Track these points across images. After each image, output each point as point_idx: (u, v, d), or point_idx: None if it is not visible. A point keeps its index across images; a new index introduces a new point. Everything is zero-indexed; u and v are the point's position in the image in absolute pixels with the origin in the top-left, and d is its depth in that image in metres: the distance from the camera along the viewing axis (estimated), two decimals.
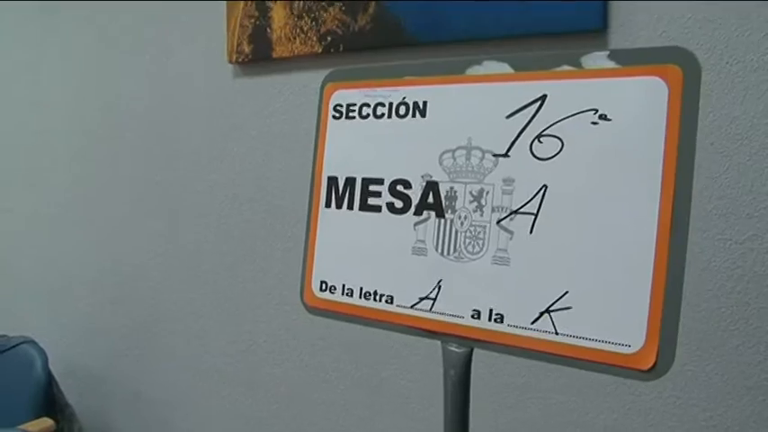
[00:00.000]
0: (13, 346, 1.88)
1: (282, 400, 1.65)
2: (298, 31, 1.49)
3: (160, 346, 1.89)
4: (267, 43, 1.54)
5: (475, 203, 0.67)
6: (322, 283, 0.78)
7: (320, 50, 1.46)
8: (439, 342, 0.70)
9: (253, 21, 1.55)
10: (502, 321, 0.65)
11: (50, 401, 1.85)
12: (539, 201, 0.64)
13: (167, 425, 1.91)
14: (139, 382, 1.96)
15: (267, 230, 1.63)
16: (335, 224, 0.77)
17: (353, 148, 0.76)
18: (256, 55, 1.57)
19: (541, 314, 0.62)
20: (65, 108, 2.05)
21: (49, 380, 1.84)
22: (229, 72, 1.66)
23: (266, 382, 1.68)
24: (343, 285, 0.76)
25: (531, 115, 0.65)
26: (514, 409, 1.31)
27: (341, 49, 1.44)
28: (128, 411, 2.00)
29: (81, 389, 2.07)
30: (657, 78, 0.59)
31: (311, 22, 1.47)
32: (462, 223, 0.68)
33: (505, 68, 0.68)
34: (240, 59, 1.59)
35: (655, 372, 0.57)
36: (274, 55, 1.53)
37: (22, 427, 1.64)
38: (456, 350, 0.68)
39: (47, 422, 1.72)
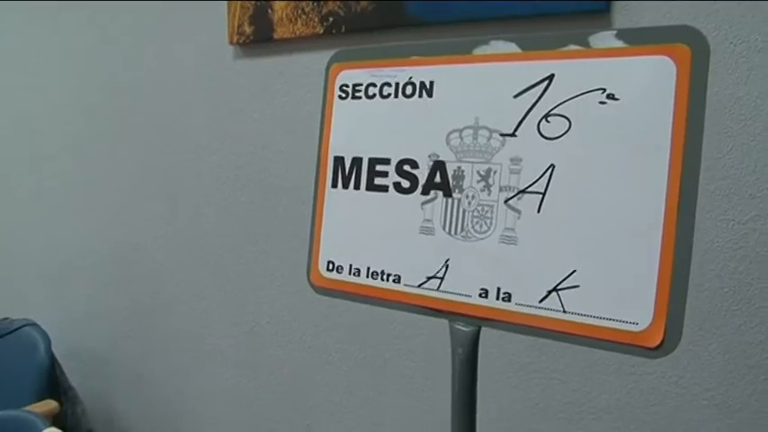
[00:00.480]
0: (16, 329, 1.88)
1: (286, 382, 1.66)
2: (299, 11, 1.48)
3: (163, 328, 1.90)
4: (268, 24, 1.53)
5: (482, 183, 0.67)
6: (329, 263, 0.78)
7: (322, 31, 1.46)
8: (445, 322, 0.70)
9: (254, 1, 1.54)
10: (510, 300, 0.65)
11: (54, 384, 1.86)
12: (546, 180, 0.63)
13: (170, 406, 1.92)
14: (142, 363, 1.96)
15: (269, 212, 1.63)
16: (342, 204, 0.77)
17: (360, 129, 0.76)
18: (257, 36, 1.56)
19: (549, 293, 0.63)
20: (65, 92, 2.04)
21: (52, 362, 1.85)
22: (230, 53, 1.65)
23: (269, 363, 1.68)
24: (350, 265, 0.76)
25: (538, 95, 0.65)
26: (518, 388, 1.32)
27: (343, 30, 1.43)
28: (130, 393, 2.01)
29: (84, 371, 2.08)
30: (666, 57, 0.59)
31: (313, 2, 1.46)
32: (470, 203, 0.68)
33: (513, 48, 0.68)
34: (241, 41, 1.59)
35: (662, 349, 0.57)
36: (276, 36, 1.53)
37: (27, 409, 1.64)
38: (463, 329, 0.68)
39: (51, 404, 1.73)
